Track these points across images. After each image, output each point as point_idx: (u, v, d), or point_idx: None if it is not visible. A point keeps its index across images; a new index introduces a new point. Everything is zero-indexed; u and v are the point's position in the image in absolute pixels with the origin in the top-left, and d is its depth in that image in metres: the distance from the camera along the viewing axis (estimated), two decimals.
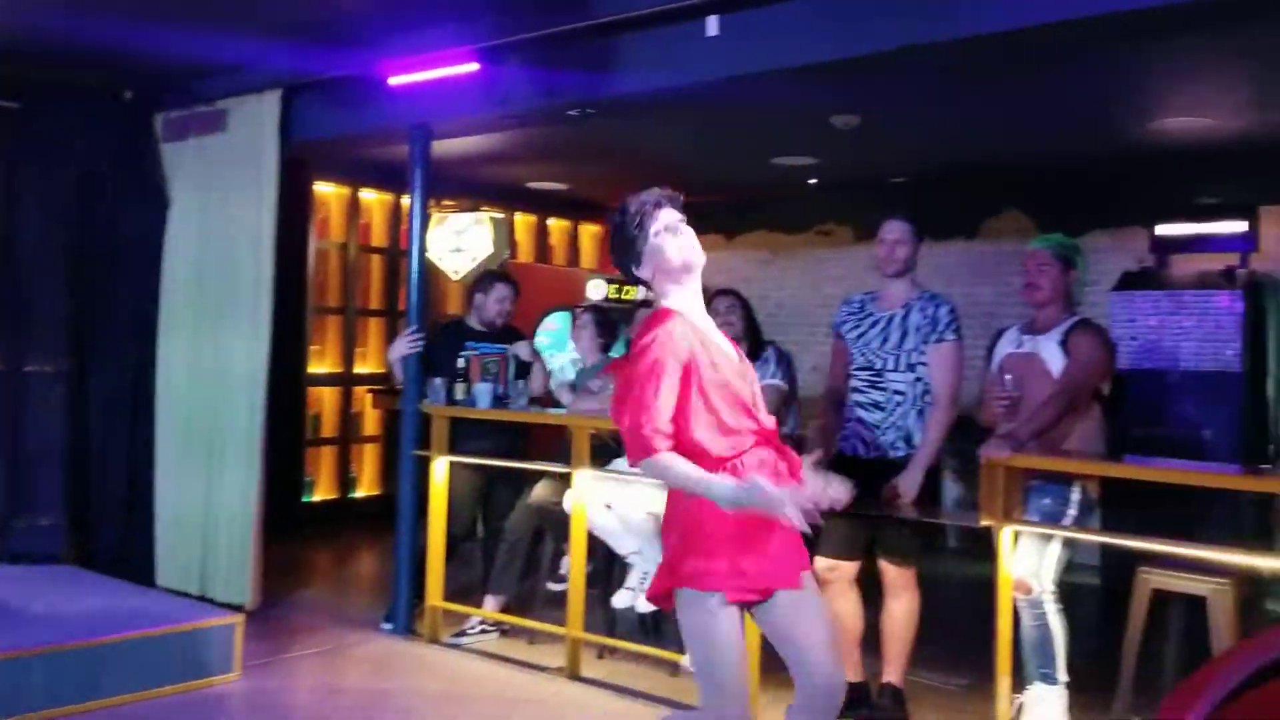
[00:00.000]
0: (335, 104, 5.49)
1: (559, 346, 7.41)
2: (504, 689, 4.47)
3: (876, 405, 4.04)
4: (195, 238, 5.75)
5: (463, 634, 5.03)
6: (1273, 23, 3.96)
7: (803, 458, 2.70)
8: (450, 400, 5.07)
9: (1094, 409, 3.86)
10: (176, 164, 5.89)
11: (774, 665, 2.86)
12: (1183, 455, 5.68)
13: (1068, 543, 3.73)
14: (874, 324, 4.10)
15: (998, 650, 3.56)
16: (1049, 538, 3.68)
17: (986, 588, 3.64)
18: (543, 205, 9.15)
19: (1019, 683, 3.71)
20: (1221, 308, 6.24)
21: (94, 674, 4.00)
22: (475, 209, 7.94)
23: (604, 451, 4.84)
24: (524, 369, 5.26)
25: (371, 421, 8.28)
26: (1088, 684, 3.92)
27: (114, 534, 5.77)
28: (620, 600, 4.84)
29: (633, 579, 4.82)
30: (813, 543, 3.93)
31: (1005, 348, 4.05)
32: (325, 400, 8.06)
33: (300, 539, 7.18)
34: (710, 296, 4.74)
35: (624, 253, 2.71)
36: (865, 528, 3.95)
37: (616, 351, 5.73)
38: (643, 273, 2.71)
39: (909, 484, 3.89)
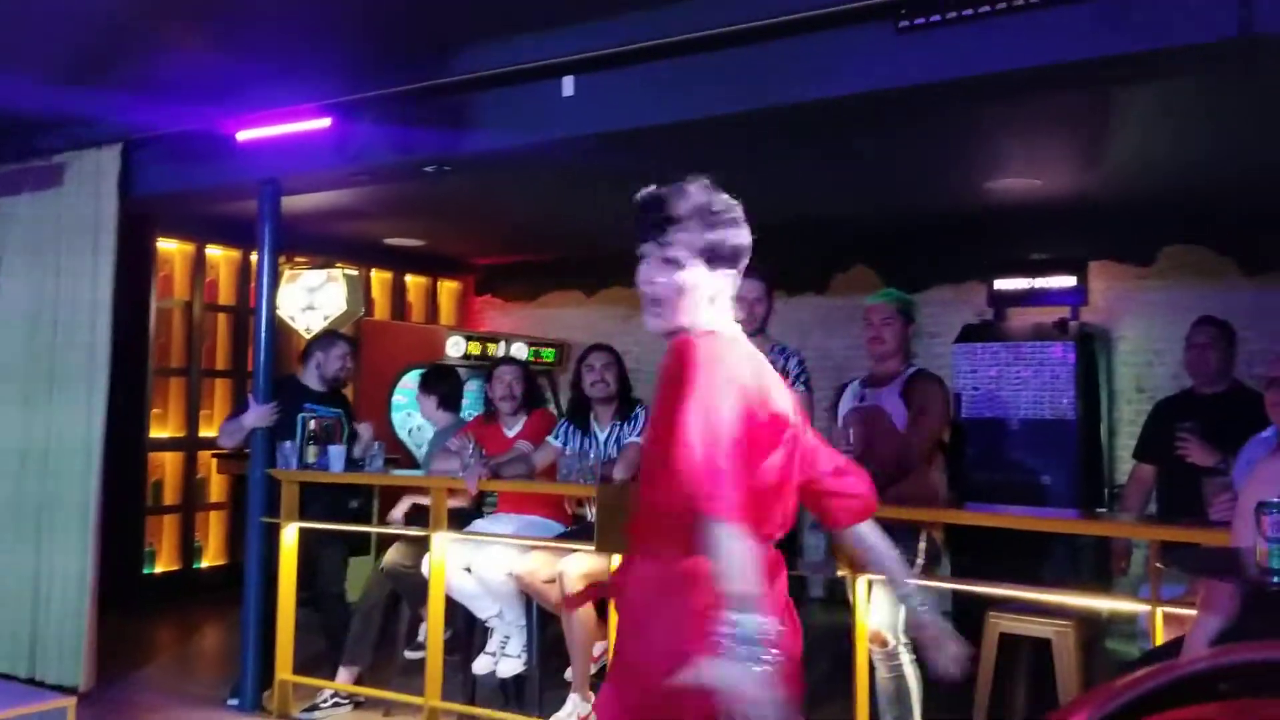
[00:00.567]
0: (180, 158, 5.33)
1: (416, 405, 7.26)
2: None
3: None
4: (26, 298, 5.47)
5: (314, 707, 4.82)
6: (1090, 91, 4.25)
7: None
8: (302, 464, 4.92)
9: (937, 457, 3.99)
10: (9, 221, 5.61)
11: None
12: (1024, 501, 5.92)
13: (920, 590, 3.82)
14: None
15: (856, 701, 3.60)
16: None
17: (849, 635, 3.70)
18: (400, 262, 9.02)
19: None
20: (1056, 358, 6.56)
21: None
22: (329, 265, 7.77)
23: (461, 513, 4.75)
24: (352, 434, 5.19)
25: (217, 488, 7.93)
26: None
27: None
28: (481, 666, 4.72)
29: (493, 643, 4.72)
30: None
31: (848, 402, 4.16)
32: (167, 466, 7.69)
33: (140, 613, 6.81)
34: (585, 352, 4.74)
35: None
36: None
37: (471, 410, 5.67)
38: None
39: None
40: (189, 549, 7.75)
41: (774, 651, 1.72)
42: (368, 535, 5.98)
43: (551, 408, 6.99)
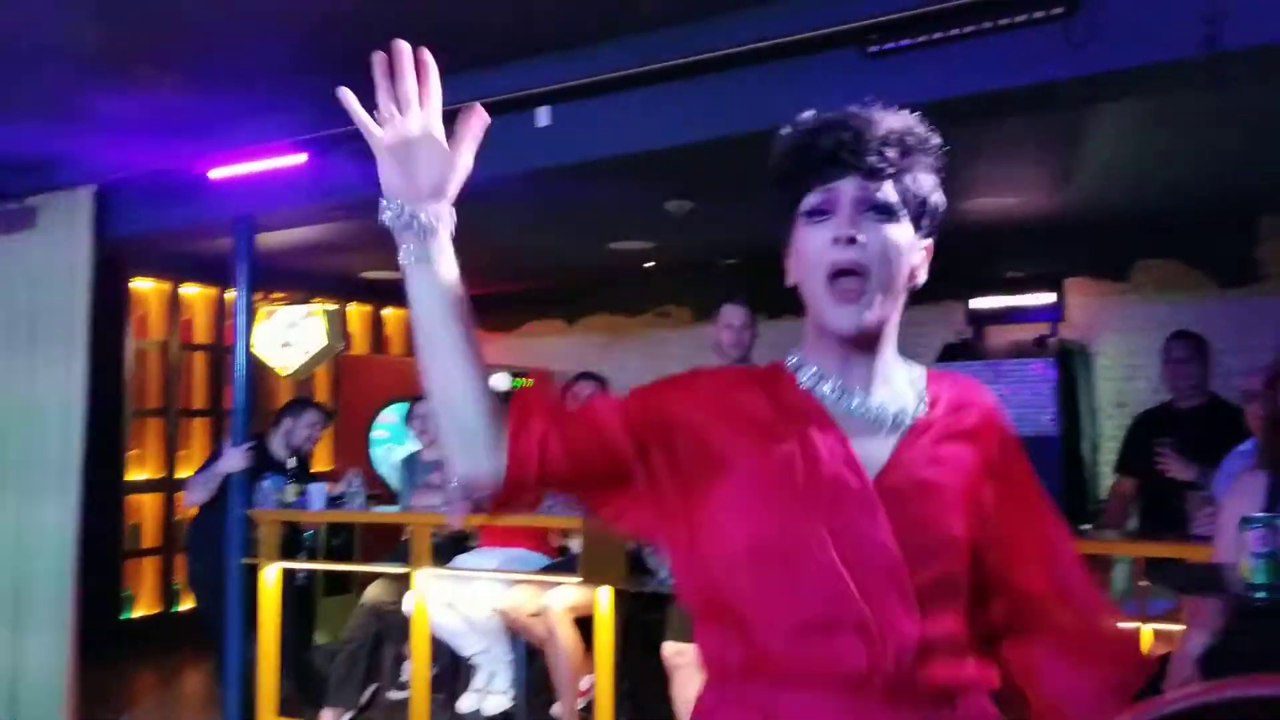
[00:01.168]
0: (154, 198, 5.30)
1: (397, 439, 7.22)
2: None
3: None
4: None
5: None
6: (1059, 111, 4.29)
7: None
8: (280, 503, 4.86)
9: None
10: None
11: None
12: None
13: None
14: None
15: None
16: None
17: None
18: (378, 295, 8.97)
19: None
20: (1036, 375, 6.58)
21: None
22: (306, 301, 7.73)
23: (444, 548, 4.71)
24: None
25: None
26: None
27: None
28: (466, 704, 4.66)
29: (479, 680, 4.67)
30: (661, 628, 3.90)
31: None
32: (146, 508, 7.59)
33: (119, 659, 6.69)
34: (571, 381, 4.71)
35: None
36: None
37: None
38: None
39: None
40: (169, 592, 7.64)
41: None
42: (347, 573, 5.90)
43: None
